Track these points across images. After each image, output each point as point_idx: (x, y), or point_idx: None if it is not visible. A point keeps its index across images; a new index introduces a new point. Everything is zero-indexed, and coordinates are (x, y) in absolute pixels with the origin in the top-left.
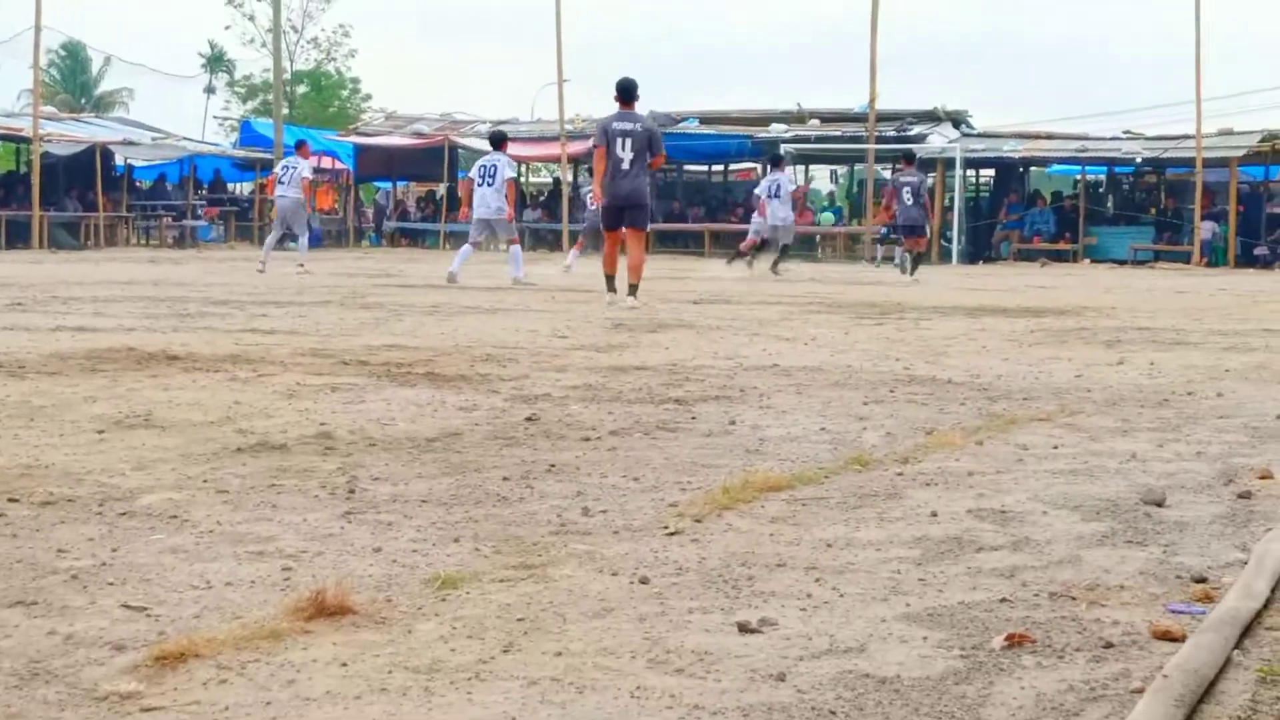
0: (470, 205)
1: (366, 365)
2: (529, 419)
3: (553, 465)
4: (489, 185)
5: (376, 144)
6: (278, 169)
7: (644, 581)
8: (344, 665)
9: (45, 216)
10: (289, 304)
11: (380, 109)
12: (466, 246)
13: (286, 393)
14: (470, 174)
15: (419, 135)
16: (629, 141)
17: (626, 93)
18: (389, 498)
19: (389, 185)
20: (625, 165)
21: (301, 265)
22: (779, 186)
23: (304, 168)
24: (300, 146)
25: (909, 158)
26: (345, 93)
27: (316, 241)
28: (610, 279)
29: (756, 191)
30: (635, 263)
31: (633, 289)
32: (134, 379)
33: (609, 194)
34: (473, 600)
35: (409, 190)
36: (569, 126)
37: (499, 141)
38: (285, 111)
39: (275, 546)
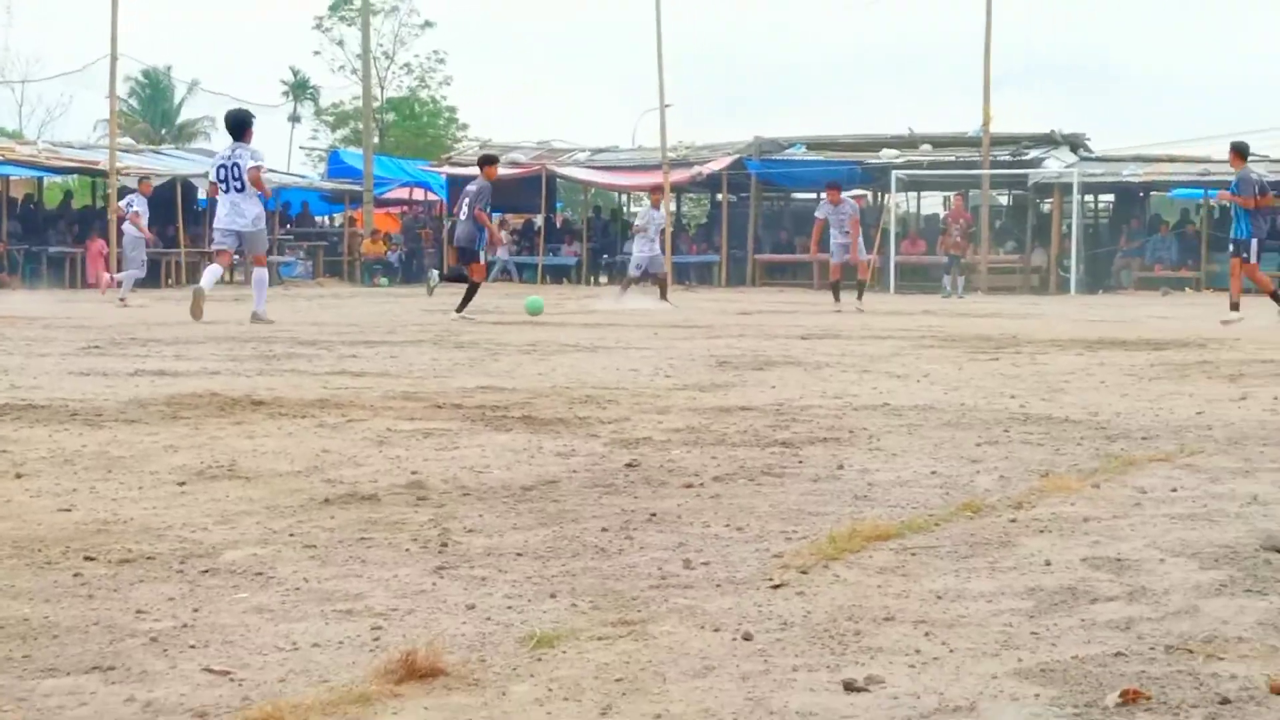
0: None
1: (460, 409)
2: (629, 465)
3: (653, 514)
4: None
5: (470, 175)
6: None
7: (747, 638)
8: None
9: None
10: (380, 344)
11: (474, 138)
12: None
13: (377, 439)
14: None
15: (515, 164)
16: (467, 200)
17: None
18: (483, 551)
19: None
20: (462, 217)
21: (122, 299)
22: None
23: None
24: (140, 183)
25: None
26: (441, 122)
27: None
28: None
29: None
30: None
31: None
32: (217, 426)
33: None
34: (569, 660)
35: (505, 221)
36: (671, 154)
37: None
38: (375, 141)
39: (364, 605)
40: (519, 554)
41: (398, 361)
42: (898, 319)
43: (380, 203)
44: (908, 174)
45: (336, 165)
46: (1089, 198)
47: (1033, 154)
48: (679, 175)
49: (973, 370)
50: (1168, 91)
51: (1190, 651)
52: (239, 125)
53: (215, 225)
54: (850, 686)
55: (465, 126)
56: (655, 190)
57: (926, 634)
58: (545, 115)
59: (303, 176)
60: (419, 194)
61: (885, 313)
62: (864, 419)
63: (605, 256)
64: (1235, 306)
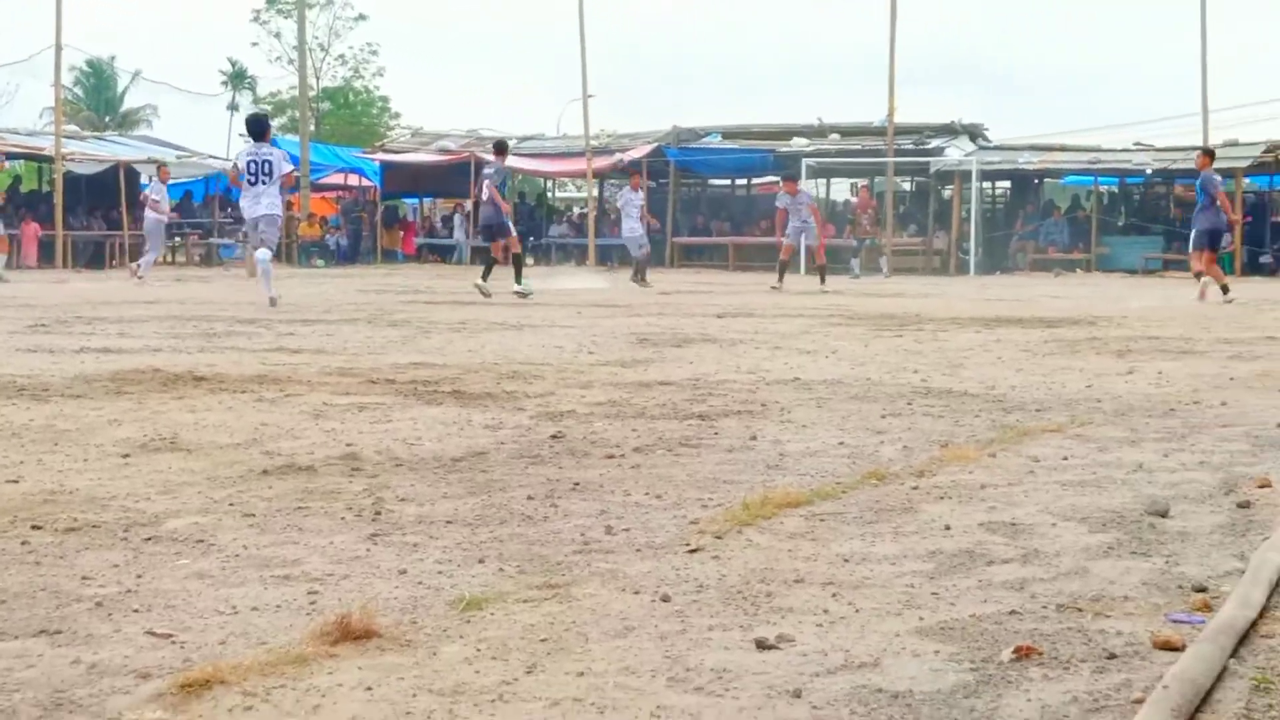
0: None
1: (394, 384)
2: (554, 436)
3: (577, 483)
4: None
5: (402, 161)
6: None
7: (665, 600)
8: (369, 689)
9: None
10: (316, 322)
11: (407, 127)
12: None
13: (313, 413)
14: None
15: (444, 152)
16: (486, 182)
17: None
18: (415, 519)
19: (415, 201)
20: (483, 198)
21: (140, 277)
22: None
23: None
24: (160, 169)
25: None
26: (375, 111)
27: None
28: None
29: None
30: None
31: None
32: (160, 401)
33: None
34: (497, 621)
35: (435, 206)
36: (594, 142)
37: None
38: (311, 129)
39: (301, 570)
40: (449, 521)
41: (333, 339)
42: (808, 298)
43: (316, 188)
44: (817, 161)
45: None
46: (987, 184)
47: (934, 143)
48: (601, 162)
49: (878, 347)
50: (1060, 85)
51: (1080, 610)
52: (261, 127)
53: (245, 215)
54: (762, 645)
55: (398, 115)
56: (634, 173)
57: (834, 595)
58: (474, 105)
59: None
60: (354, 179)
61: (796, 292)
62: (776, 393)
63: (531, 239)
64: (1225, 289)
